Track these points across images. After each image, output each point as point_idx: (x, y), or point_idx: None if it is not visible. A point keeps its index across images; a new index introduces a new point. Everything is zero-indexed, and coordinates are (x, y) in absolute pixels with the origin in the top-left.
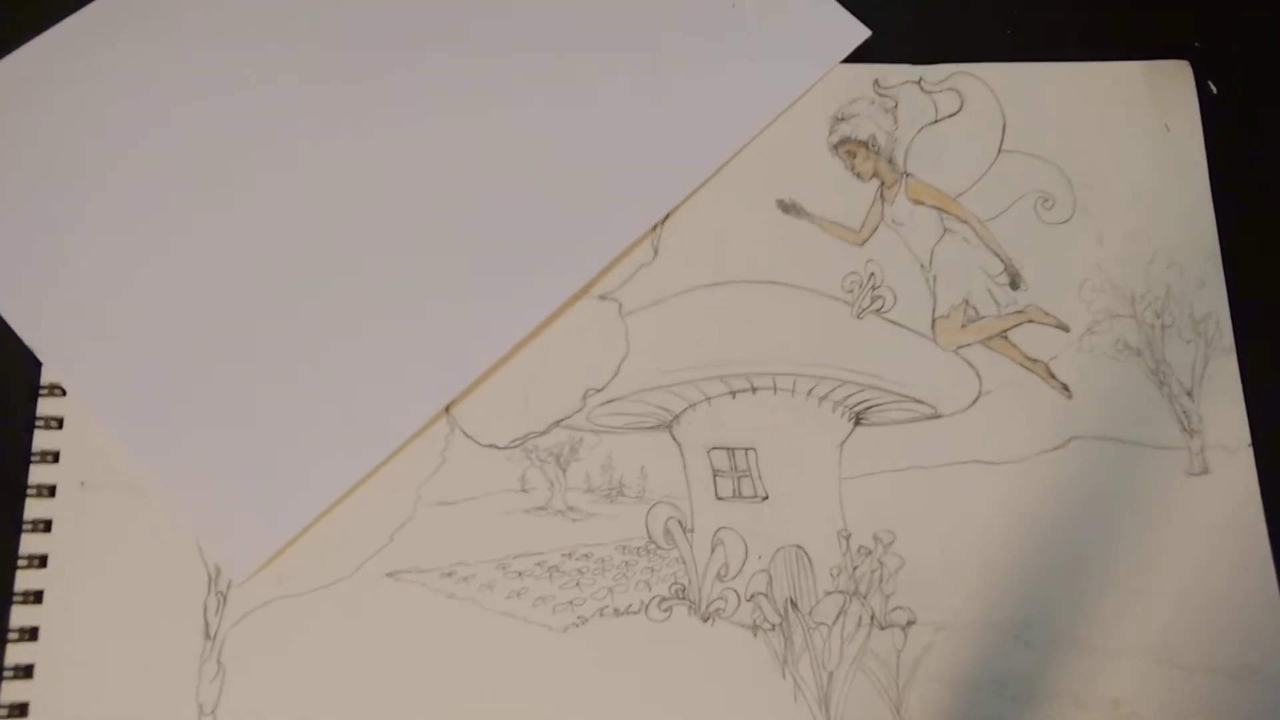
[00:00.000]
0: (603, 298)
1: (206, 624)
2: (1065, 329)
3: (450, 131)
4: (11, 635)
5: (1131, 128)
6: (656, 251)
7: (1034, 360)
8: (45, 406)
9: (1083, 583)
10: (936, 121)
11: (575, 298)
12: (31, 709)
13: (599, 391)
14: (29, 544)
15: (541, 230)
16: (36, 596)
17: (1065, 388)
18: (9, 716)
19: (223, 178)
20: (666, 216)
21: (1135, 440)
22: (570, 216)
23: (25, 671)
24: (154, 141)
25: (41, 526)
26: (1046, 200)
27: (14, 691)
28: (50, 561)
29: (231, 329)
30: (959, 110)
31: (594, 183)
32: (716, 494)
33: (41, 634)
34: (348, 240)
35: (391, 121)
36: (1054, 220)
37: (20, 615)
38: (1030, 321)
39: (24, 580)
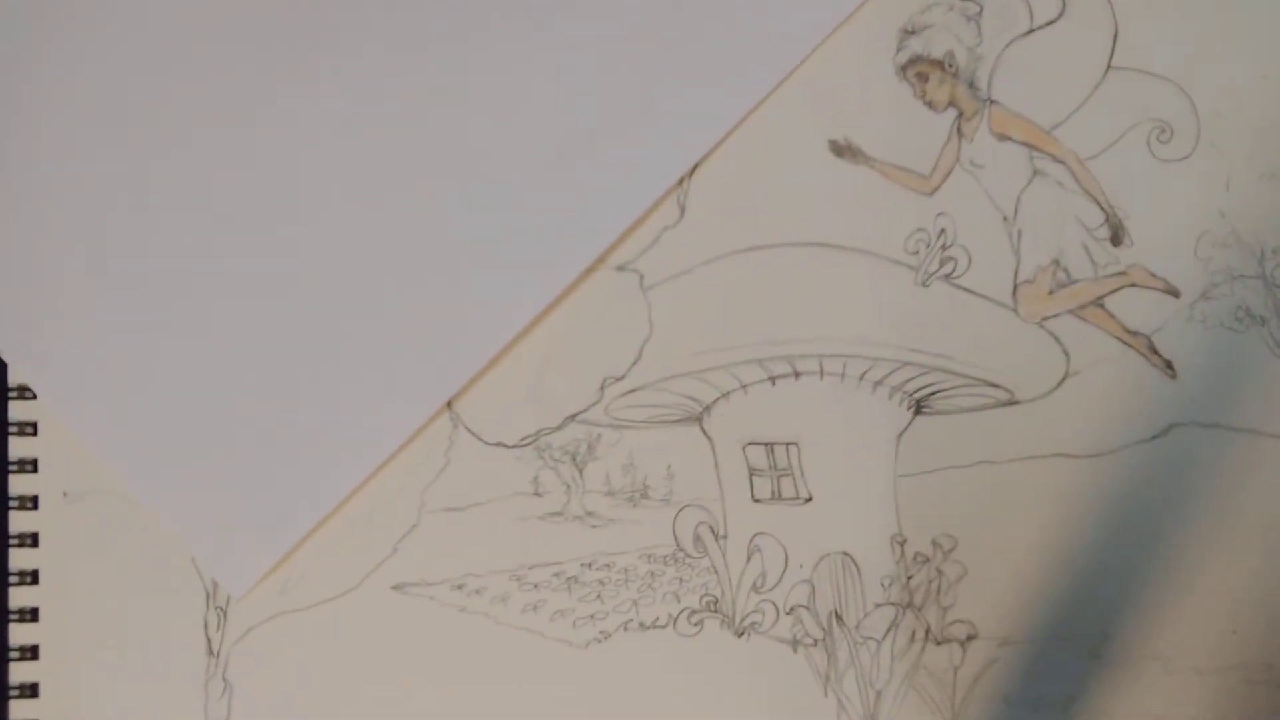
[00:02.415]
0: (621, 268)
1: (209, 640)
2: (1175, 294)
3: (434, 80)
4: (13, 654)
5: None
6: (683, 210)
7: (1134, 333)
8: (17, 410)
9: (1175, 593)
10: (1031, 31)
11: (589, 270)
12: None
13: (619, 380)
14: (18, 559)
15: (546, 191)
16: (33, 614)
17: (1169, 365)
18: None
19: (201, 158)
20: (694, 167)
21: (1249, 428)
22: (579, 172)
23: (31, 691)
24: (134, 117)
25: (29, 541)
26: (1163, 132)
27: (22, 710)
28: (41, 578)
29: (213, 323)
30: (1059, 16)
31: (605, 129)
32: (753, 495)
33: (42, 652)
34: (329, 219)
35: (367, 74)
36: (1171, 157)
37: (18, 633)
38: (1132, 285)
39: (18, 598)
